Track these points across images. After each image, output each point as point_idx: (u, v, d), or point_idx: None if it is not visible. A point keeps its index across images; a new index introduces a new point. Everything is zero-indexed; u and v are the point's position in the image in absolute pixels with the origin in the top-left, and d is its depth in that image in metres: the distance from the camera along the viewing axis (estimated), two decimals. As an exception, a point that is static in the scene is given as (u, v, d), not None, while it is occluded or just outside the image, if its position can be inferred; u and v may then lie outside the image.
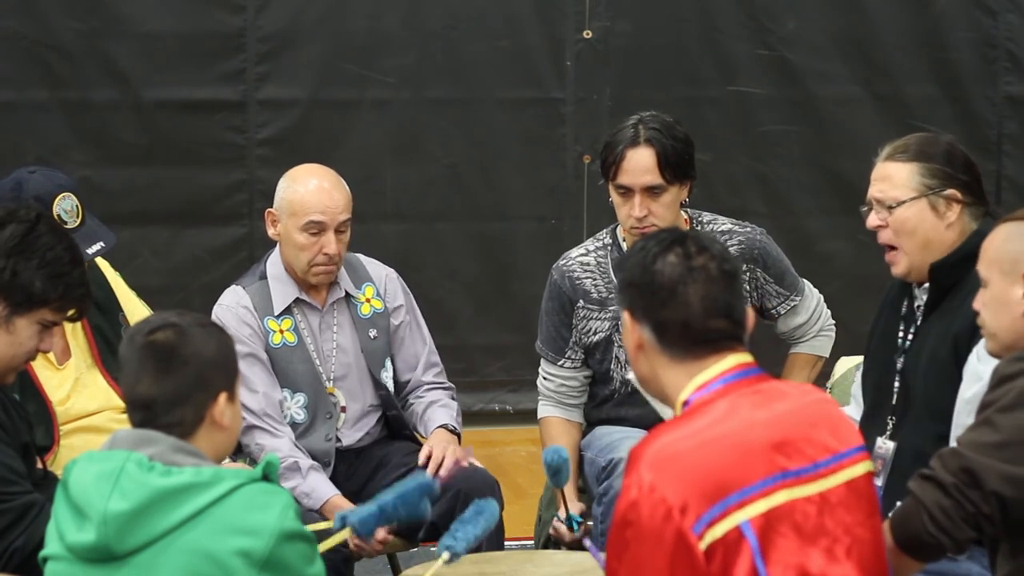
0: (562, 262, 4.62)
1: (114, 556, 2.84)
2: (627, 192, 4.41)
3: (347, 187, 4.57)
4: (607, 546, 2.83)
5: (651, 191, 4.39)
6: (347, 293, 4.63)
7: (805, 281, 4.75)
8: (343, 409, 4.61)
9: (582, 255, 4.61)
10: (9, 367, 3.68)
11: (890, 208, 3.82)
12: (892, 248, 3.84)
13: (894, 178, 3.83)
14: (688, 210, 4.58)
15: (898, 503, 3.10)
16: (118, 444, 2.92)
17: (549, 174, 7.32)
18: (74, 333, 4.33)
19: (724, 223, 4.60)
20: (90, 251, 4.24)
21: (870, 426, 3.87)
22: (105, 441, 2.97)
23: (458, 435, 4.64)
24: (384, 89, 7.18)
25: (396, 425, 4.70)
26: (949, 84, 7.44)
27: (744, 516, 2.73)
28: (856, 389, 4.09)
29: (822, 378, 4.89)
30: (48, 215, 3.97)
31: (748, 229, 4.61)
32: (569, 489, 4.41)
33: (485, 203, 7.32)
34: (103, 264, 4.56)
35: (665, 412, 3.61)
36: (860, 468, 2.90)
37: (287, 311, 4.56)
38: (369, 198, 6.73)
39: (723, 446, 2.77)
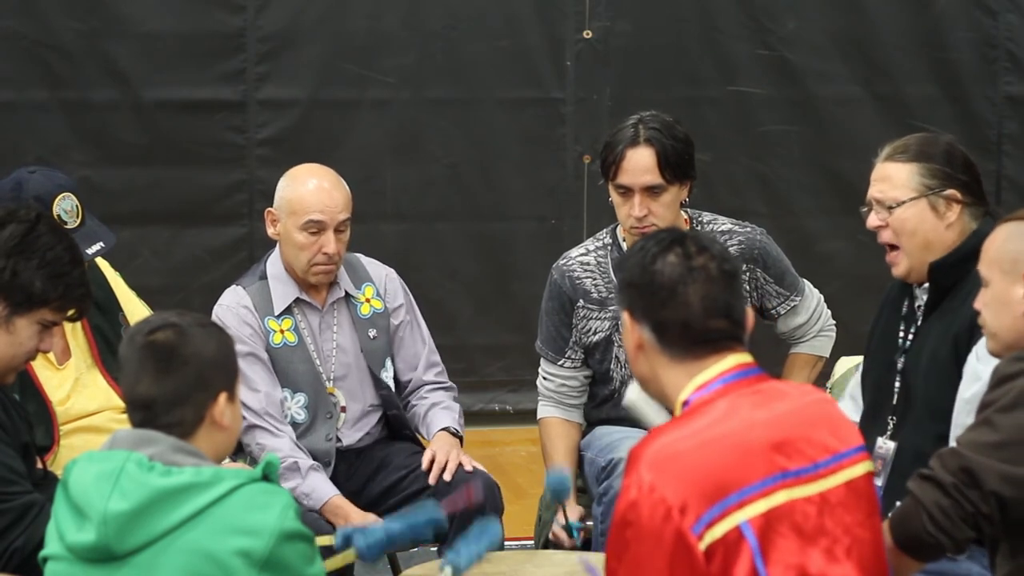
0: (562, 262, 4.62)
1: (114, 556, 2.84)
2: (627, 192, 4.41)
3: (347, 187, 4.57)
4: (607, 546, 2.83)
5: (651, 191, 4.39)
6: (347, 293, 4.63)
7: (805, 281, 4.75)
8: (343, 409, 4.61)
9: (582, 255, 4.61)
10: (9, 367, 3.68)
11: (890, 208, 3.82)
12: (893, 249, 3.84)
13: (894, 178, 3.83)
14: (688, 210, 4.58)
15: (898, 503, 3.10)
16: (118, 444, 2.92)
17: (549, 174, 7.32)
18: (74, 333, 4.33)
19: (724, 223, 4.60)
20: (90, 251, 4.24)
21: (870, 426, 3.87)
22: (105, 441, 2.97)
23: (460, 438, 4.64)
24: (384, 89, 7.18)
25: (397, 425, 4.69)
26: (949, 84, 7.44)
27: (744, 516, 2.73)
28: (854, 387, 4.09)
29: (822, 378, 4.89)
30: (48, 215, 3.97)
31: (748, 229, 4.61)
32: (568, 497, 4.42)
33: (485, 203, 7.32)
34: (103, 264, 4.56)
35: (652, 415, 3.61)
36: (860, 468, 2.90)
37: (287, 311, 4.56)
38: (369, 198, 6.72)
39: (723, 446, 2.78)
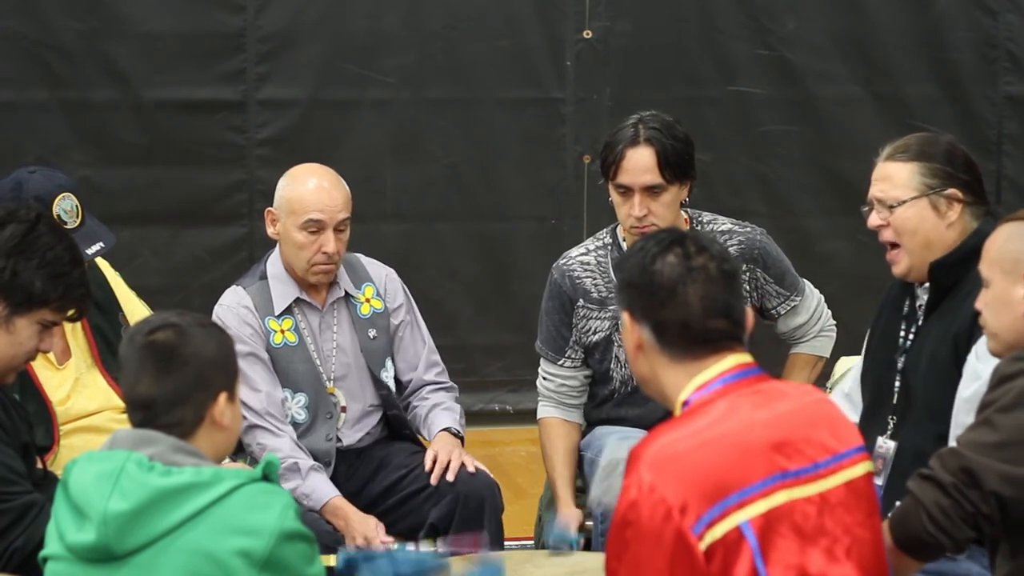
0: (562, 261, 4.62)
1: (114, 556, 2.84)
2: (627, 192, 4.41)
3: (346, 186, 4.57)
4: (607, 546, 2.83)
5: (651, 190, 4.39)
6: (347, 293, 4.63)
7: (805, 281, 4.75)
8: (343, 409, 4.61)
9: (582, 255, 4.61)
10: (9, 367, 3.68)
11: (891, 208, 3.83)
12: (894, 247, 3.84)
13: (895, 178, 3.83)
14: (688, 210, 4.58)
15: (898, 503, 3.10)
16: (118, 444, 2.92)
17: (549, 174, 7.32)
18: (74, 333, 4.32)
19: (724, 223, 4.60)
20: (90, 251, 4.24)
21: (870, 425, 3.87)
22: (105, 441, 2.97)
23: (461, 438, 4.64)
24: (384, 89, 7.18)
25: (397, 425, 4.69)
26: (949, 84, 7.43)
27: (744, 516, 2.73)
28: (850, 386, 4.09)
29: (822, 378, 4.89)
30: (48, 215, 3.97)
31: (748, 229, 4.61)
32: (566, 499, 4.42)
33: (485, 203, 7.32)
34: (103, 264, 4.56)
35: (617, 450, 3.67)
36: (860, 468, 2.90)
37: (287, 311, 4.56)
38: (369, 198, 6.72)
39: (723, 446, 2.78)
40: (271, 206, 4.58)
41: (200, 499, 2.83)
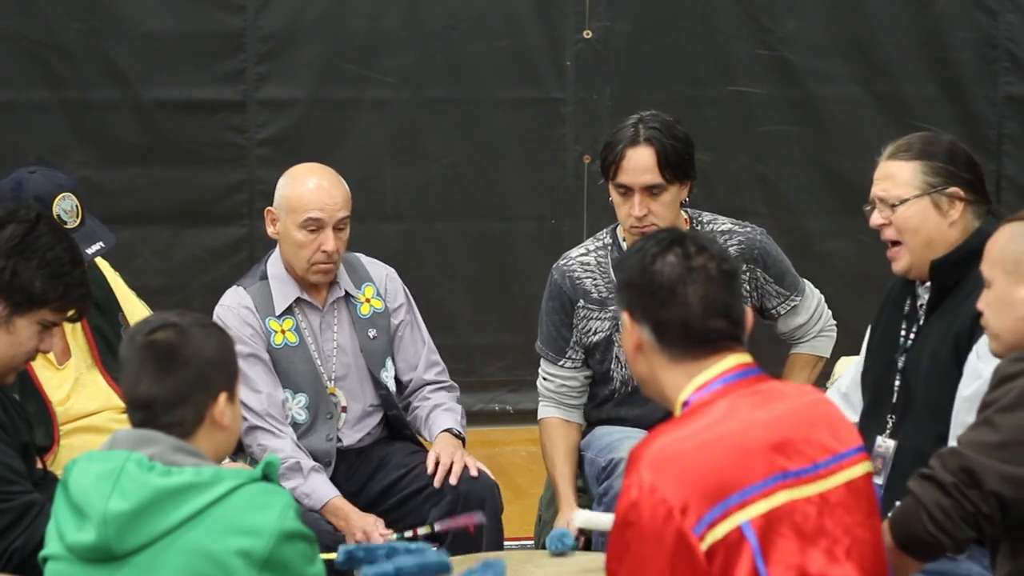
0: (562, 262, 4.62)
1: (114, 556, 2.84)
2: (627, 191, 4.41)
3: (346, 185, 4.58)
4: (607, 547, 2.82)
5: (651, 190, 4.39)
6: (347, 293, 4.63)
7: (806, 281, 4.75)
8: (344, 409, 4.61)
9: (582, 255, 4.61)
10: (9, 367, 3.68)
11: (893, 207, 3.83)
12: (895, 244, 3.84)
13: (897, 177, 3.83)
14: (688, 210, 4.58)
15: (898, 502, 3.10)
16: (118, 444, 2.92)
17: (549, 174, 7.32)
18: (74, 333, 4.32)
19: (724, 223, 4.60)
20: (90, 251, 4.24)
21: (870, 424, 3.87)
22: (105, 441, 2.97)
23: (463, 439, 4.64)
24: (384, 89, 7.18)
25: (396, 425, 4.69)
26: (949, 84, 7.43)
27: (745, 517, 2.73)
28: (849, 386, 4.09)
29: (822, 378, 4.89)
30: (48, 215, 3.97)
31: (748, 229, 4.61)
32: (568, 498, 4.42)
33: (485, 203, 7.32)
34: (103, 264, 4.56)
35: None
36: (859, 468, 2.90)
37: (288, 311, 4.56)
38: (369, 198, 6.72)
39: (723, 447, 2.77)
40: (271, 206, 4.58)
41: (200, 499, 2.83)
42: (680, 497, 2.71)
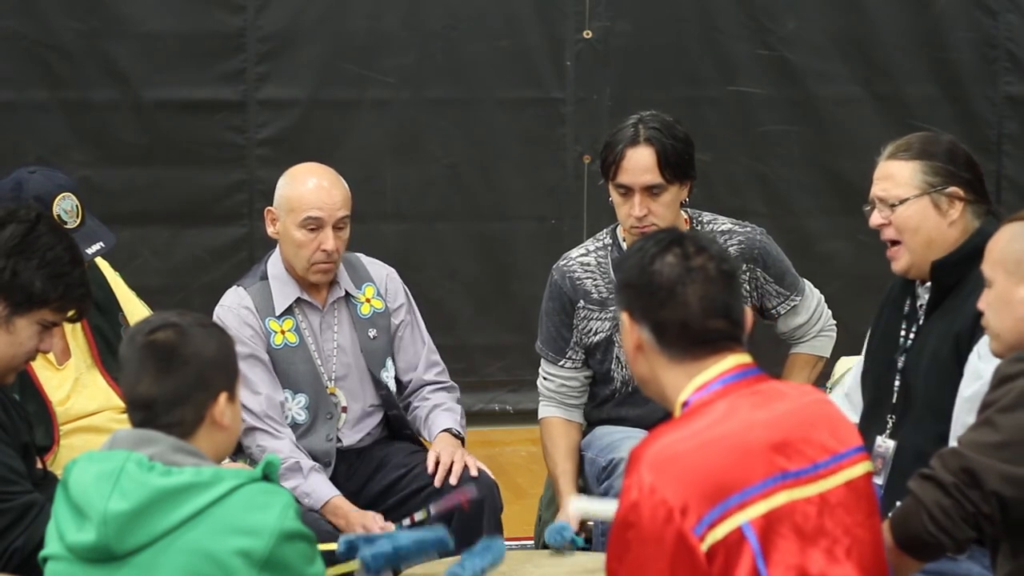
0: (562, 262, 4.62)
1: (114, 556, 2.84)
2: (627, 192, 4.41)
3: (346, 185, 4.58)
4: (608, 548, 2.82)
5: (651, 190, 4.39)
6: (347, 293, 4.63)
7: (806, 281, 4.75)
8: (344, 409, 4.61)
9: (582, 255, 4.61)
10: (9, 367, 3.68)
11: (893, 206, 3.83)
12: (895, 244, 3.84)
13: (896, 176, 3.83)
14: (688, 210, 4.58)
15: (898, 502, 3.10)
16: (118, 444, 2.92)
17: (549, 174, 7.32)
18: (74, 333, 4.32)
19: (724, 223, 4.60)
20: (90, 251, 4.24)
21: (870, 424, 3.87)
22: (105, 441, 2.97)
23: (462, 439, 4.64)
24: (384, 89, 7.18)
25: (396, 425, 4.69)
26: (949, 84, 7.44)
27: (745, 517, 2.73)
28: (850, 385, 4.09)
29: (822, 378, 4.89)
30: (48, 215, 3.97)
31: (748, 229, 4.61)
32: (568, 495, 4.41)
33: (485, 203, 7.32)
34: (103, 264, 4.56)
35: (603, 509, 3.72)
36: (859, 468, 2.90)
37: (288, 311, 4.56)
38: (369, 198, 6.72)
39: (723, 447, 2.77)
40: (271, 206, 4.59)
41: (200, 499, 2.83)
42: (680, 498, 2.71)
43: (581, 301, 4.57)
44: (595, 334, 4.57)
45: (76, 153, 6.97)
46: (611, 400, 4.60)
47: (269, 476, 2.91)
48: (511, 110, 7.28)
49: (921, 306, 3.87)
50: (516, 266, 7.31)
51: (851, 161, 7.07)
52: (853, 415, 3.96)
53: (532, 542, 4.72)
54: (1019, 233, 3.21)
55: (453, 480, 4.43)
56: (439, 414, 4.65)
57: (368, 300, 4.66)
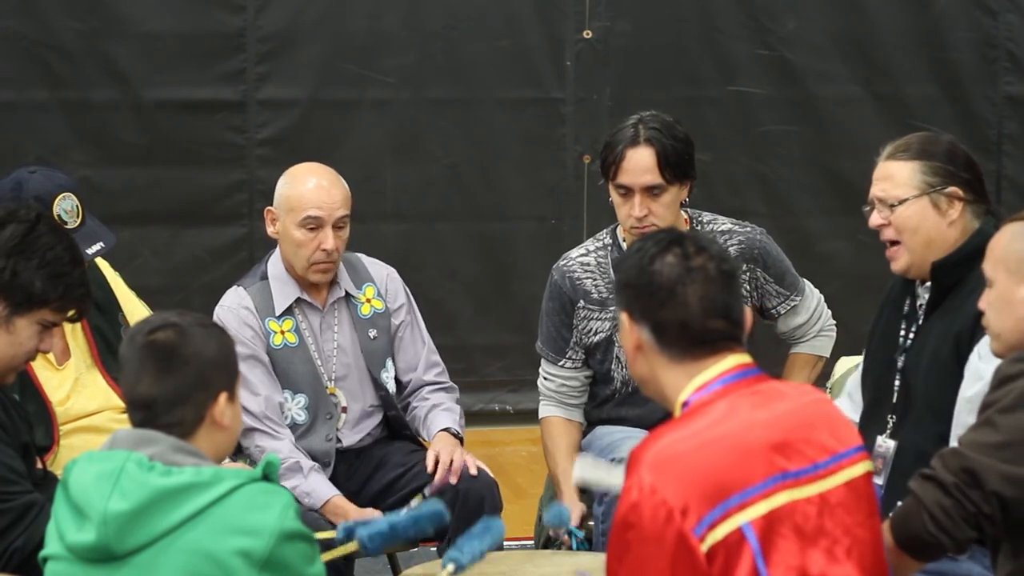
0: (562, 262, 4.62)
1: (114, 556, 2.84)
2: (627, 192, 4.41)
3: (346, 185, 4.58)
4: (608, 548, 2.82)
5: (651, 191, 4.39)
6: (347, 293, 4.63)
7: (805, 281, 4.75)
8: (344, 409, 4.61)
9: (582, 255, 4.61)
10: (9, 367, 3.68)
11: (892, 207, 3.83)
12: (894, 243, 3.84)
13: (896, 177, 3.83)
14: (688, 210, 4.58)
15: (899, 503, 3.10)
16: (118, 444, 2.92)
17: (549, 174, 7.32)
18: (74, 333, 4.32)
19: (724, 223, 4.60)
20: (90, 251, 4.24)
21: (870, 424, 3.87)
22: (105, 441, 2.97)
23: (461, 439, 4.64)
24: (384, 89, 7.18)
25: (396, 425, 4.69)
26: (949, 84, 7.44)
27: (745, 518, 2.73)
28: (852, 386, 4.09)
29: (822, 378, 4.89)
30: (48, 215, 3.97)
31: (748, 229, 4.61)
32: (570, 493, 4.42)
33: (485, 203, 7.32)
34: (103, 264, 4.56)
35: (608, 478, 3.70)
36: (859, 468, 2.90)
37: (288, 311, 4.56)
38: (369, 198, 6.73)
39: (723, 447, 2.77)
40: (271, 206, 4.59)
41: (200, 499, 2.83)
42: (680, 498, 2.71)
43: (581, 301, 4.57)
44: (595, 334, 4.57)
45: (76, 153, 6.97)
46: (611, 400, 4.60)
47: (269, 476, 2.91)
48: (511, 110, 7.28)
49: (921, 306, 3.87)
50: (516, 266, 7.31)
51: (851, 161, 7.07)
52: (856, 415, 3.96)
53: (532, 542, 4.72)
54: (1020, 233, 3.21)
55: (453, 479, 4.43)
56: (438, 414, 4.65)
57: (368, 300, 4.66)
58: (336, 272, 4.58)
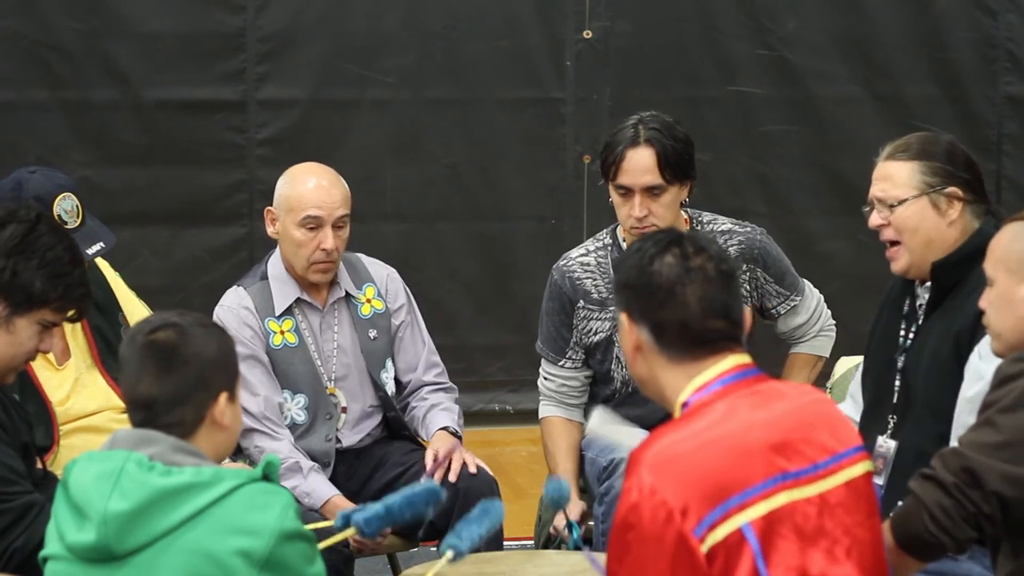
0: (562, 262, 4.62)
1: (114, 556, 2.84)
2: (627, 192, 4.41)
3: (345, 184, 4.58)
4: (608, 549, 2.82)
5: (651, 191, 4.39)
6: (347, 293, 4.63)
7: (805, 281, 4.75)
8: (343, 410, 4.61)
9: (582, 255, 4.61)
10: (9, 367, 3.68)
11: (892, 207, 3.83)
12: (894, 244, 3.84)
13: (895, 177, 3.83)
14: (688, 210, 4.58)
15: (899, 502, 3.10)
16: (118, 444, 2.92)
17: (549, 174, 7.32)
18: (74, 333, 4.32)
19: (724, 223, 4.60)
20: (90, 251, 4.24)
21: (870, 424, 3.87)
22: (105, 441, 2.97)
23: (459, 438, 4.64)
24: (384, 89, 7.18)
25: (395, 426, 4.70)
26: (949, 84, 7.44)
27: (745, 519, 2.73)
28: (855, 387, 4.09)
29: (822, 378, 4.89)
30: (48, 215, 3.97)
31: (748, 229, 4.61)
32: (570, 493, 4.42)
33: (485, 203, 7.32)
34: (103, 264, 4.56)
35: (618, 436, 3.67)
36: (859, 468, 2.90)
37: (288, 311, 4.56)
38: (369, 198, 6.73)
39: (723, 448, 2.77)
40: (271, 206, 4.59)
41: (200, 499, 2.83)
42: (680, 499, 2.71)
43: (581, 301, 4.57)
44: (595, 334, 4.57)
45: (76, 153, 6.97)
46: (611, 400, 4.60)
47: (269, 476, 2.91)
48: (511, 110, 7.28)
49: (921, 306, 3.87)
50: (516, 266, 7.31)
51: (851, 161, 7.07)
52: (859, 415, 3.96)
53: (532, 542, 4.72)
54: (1021, 232, 3.21)
55: (452, 477, 4.42)
56: (436, 413, 4.65)
57: (369, 301, 4.66)
58: (336, 272, 4.58)
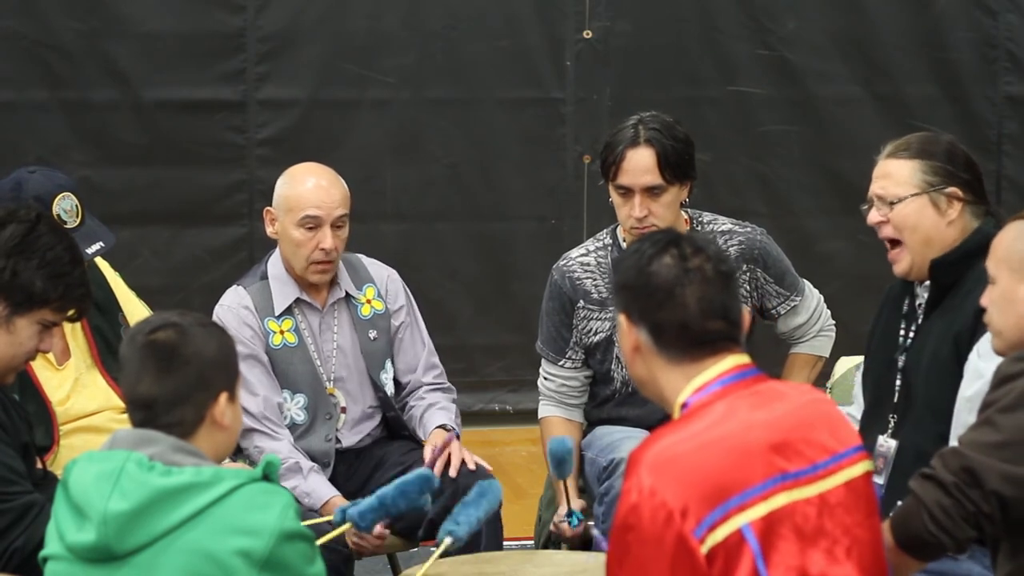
0: (562, 262, 4.62)
1: (114, 556, 2.84)
2: (627, 192, 4.41)
3: (345, 184, 4.58)
4: (608, 550, 2.82)
5: (651, 191, 4.39)
6: (347, 294, 4.63)
7: (805, 281, 4.75)
8: (343, 410, 4.61)
9: (582, 255, 4.61)
10: (9, 367, 3.68)
11: (891, 204, 3.83)
12: (895, 245, 3.84)
13: (895, 175, 3.83)
14: (688, 210, 4.58)
15: (899, 502, 3.10)
16: (118, 444, 2.92)
17: (549, 174, 7.32)
18: (74, 333, 4.32)
19: (724, 223, 4.60)
20: (90, 251, 4.24)
21: (870, 424, 3.87)
22: (105, 441, 2.97)
23: (457, 436, 4.64)
24: (384, 89, 7.18)
25: (395, 426, 4.70)
26: (949, 84, 7.44)
27: (745, 519, 2.72)
28: (859, 390, 4.09)
29: (822, 378, 4.89)
30: (48, 215, 3.97)
31: (748, 229, 4.61)
32: (571, 484, 4.41)
33: (485, 203, 7.33)
34: (103, 264, 4.56)
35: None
36: (859, 468, 2.90)
37: (288, 311, 4.56)
38: (369, 198, 6.73)
39: (722, 448, 2.77)
40: (271, 206, 4.59)
41: (200, 499, 2.83)
42: (680, 500, 2.70)
43: (581, 301, 4.57)
44: (595, 334, 4.57)
45: (76, 153, 6.97)
46: (611, 400, 4.60)
47: (269, 476, 2.91)
48: (511, 110, 7.28)
49: (920, 305, 3.87)
50: (516, 266, 7.31)
51: (851, 161, 7.07)
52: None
53: (532, 542, 4.72)
54: (1023, 231, 3.21)
55: (452, 472, 4.42)
56: (434, 412, 4.66)
57: (369, 301, 4.66)
58: (336, 272, 4.58)
